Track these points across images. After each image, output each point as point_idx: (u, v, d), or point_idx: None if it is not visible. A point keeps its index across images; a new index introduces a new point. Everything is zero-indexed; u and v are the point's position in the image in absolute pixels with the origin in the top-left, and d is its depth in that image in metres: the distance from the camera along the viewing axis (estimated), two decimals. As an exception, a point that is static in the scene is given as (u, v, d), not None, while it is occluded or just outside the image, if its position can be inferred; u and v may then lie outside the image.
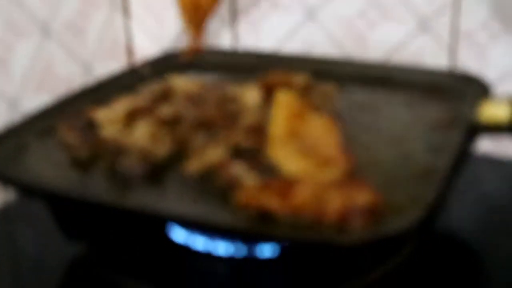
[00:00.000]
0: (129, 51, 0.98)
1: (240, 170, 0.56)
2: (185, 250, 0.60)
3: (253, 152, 0.60)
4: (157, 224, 0.60)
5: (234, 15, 0.96)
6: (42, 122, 0.67)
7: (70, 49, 0.89)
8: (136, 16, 1.00)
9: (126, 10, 0.98)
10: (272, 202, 0.52)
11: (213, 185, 0.57)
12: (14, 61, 0.84)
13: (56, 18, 0.88)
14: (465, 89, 0.70)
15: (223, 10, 0.95)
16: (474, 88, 0.70)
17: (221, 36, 0.97)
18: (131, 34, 0.99)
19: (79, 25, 0.90)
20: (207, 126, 0.64)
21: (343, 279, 0.58)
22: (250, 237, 0.56)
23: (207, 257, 0.59)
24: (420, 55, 0.85)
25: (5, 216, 0.77)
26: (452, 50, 0.84)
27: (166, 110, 0.66)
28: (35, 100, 0.80)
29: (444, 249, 0.66)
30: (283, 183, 0.54)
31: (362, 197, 0.51)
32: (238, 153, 0.60)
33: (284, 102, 0.63)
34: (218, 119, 0.65)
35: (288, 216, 0.51)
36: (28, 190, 0.62)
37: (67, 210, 0.62)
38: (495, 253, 0.67)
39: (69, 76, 0.87)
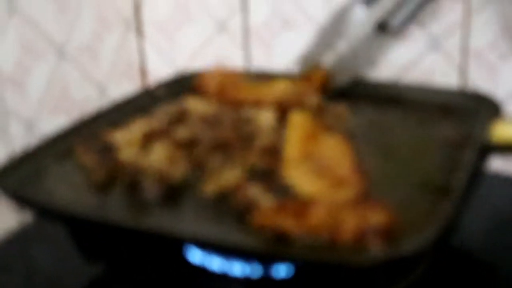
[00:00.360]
0: (143, 72, 0.98)
1: (256, 192, 0.56)
2: (201, 271, 0.59)
3: (268, 173, 0.60)
4: (174, 245, 0.59)
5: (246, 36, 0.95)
6: (60, 145, 0.67)
7: (85, 71, 0.88)
8: (150, 37, 1.00)
9: (139, 32, 0.98)
10: (287, 223, 0.52)
11: (229, 207, 0.57)
12: (31, 83, 0.83)
13: (71, 40, 0.88)
14: (477, 108, 0.70)
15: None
16: (485, 108, 0.70)
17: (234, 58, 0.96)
18: (145, 55, 0.98)
19: (93, 47, 0.90)
20: (223, 148, 0.63)
21: None
22: (266, 258, 0.56)
23: (223, 278, 0.58)
24: (430, 74, 0.85)
25: (22, 237, 0.77)
26: (462, 69, 0.84)
27: (182, 132, 0.66)
28: (52, 122, 0.81)
29: (458, 265, 0.66)
30: (298, 204, 0.54)
31: (376, 218, 0.52)
32: (253, 174, 0.59)
33: (298, 123, 0.63)
34: (234, 140, 0.64)
35: (304, 236, 0.51)
36: (46, 212, 0.61)
37: (85, 231, 0.62)
38: (509, 267, 0.67)
39: (84, 98, 0.87)
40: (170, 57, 0.99)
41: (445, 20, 0.85)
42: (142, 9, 0.99)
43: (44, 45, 0.84)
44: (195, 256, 0.58)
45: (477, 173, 0.60)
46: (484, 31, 0.83)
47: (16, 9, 0.78)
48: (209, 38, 0.97)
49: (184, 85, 0.81)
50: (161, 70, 0.96)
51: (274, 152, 0.62)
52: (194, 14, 0.99)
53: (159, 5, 0.99)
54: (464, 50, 0.85)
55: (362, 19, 0.70)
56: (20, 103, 0.81)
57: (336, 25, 0.77)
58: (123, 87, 0.93)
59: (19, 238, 0.76)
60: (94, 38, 0.90)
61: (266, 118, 0.67)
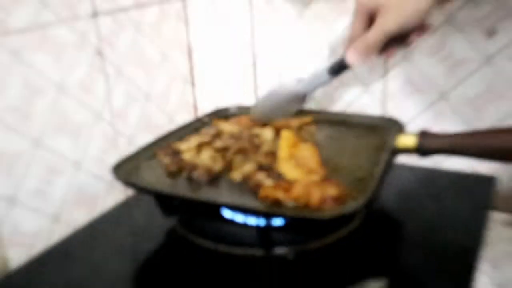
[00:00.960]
0: (195, 108, 0.95)
1: (262, 177, 0.57)
2: (231, 222, 0.60)
3: (269, 167, 0.60)
4: (215, 207, 0.60)
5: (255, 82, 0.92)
6: (148, 151, 0.67)
7: (161, 108, 0.86)
8: (199, 85, 0.95)
9: (193, 83, 0.95)
10: (280, 194, 0.53)
11: (247, 186, 0.58)
12: (131, 114, 0.80)
13: (155, 89, 0.84)
14: (390, 127, 0.69)
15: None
16: (395, 126, 0.68)
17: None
18: (196, 97, 0.95)
19: (167, 94, 0.87)
20: (243, 152, 0.63)
21: (322, 236, 0.59)
22: (267, 214, 0.57)
23: (243, 226, 0.59)
24: (364, 107, 0.82)
25: (127, 205, 0.76)
26: (383, 104, 0.81)
27: (218, 143, 0.65)
28: (144, 138, 0.77)
29: (379, 221, 0.66)
30: (286, 184, 0.55)
31: (332, 191, 0.52)
32: (260, 167, 0.60)
33: (286, 137, 0.63)
34: (249, 148, 0.63)
35: (290, 202, 0.53)
36: (142, 190, 0.62)
37: (164, 200, 0.62)
38: (409, 221, 0.65)
39: (161, 124, 0.85)
40: (211, 97, 0.94)
41: (372, 75, 0.81)
42: (194, 70, 0.94)
43: (136, 93, 0.80)
44: (227, 214, 0.60)
45: (390, 165, 0.60)
46: (395, 81, 0.79)
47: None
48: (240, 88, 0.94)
49: (220, 114, 0.80)
50: (206, 106, 0.91)
51: (272, 154, 0.62)
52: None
53: (205, 68, 0.94)
54: (384, 93, 0.82)
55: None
56: (124, 127, 0.78)
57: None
58: (184, 117, 0.90)
59: (125, 205, 0.76)
60: (167, 89, 0.87)
61: (268, 134, 0.67)
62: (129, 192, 0.77)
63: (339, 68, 0.62)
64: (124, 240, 0.68)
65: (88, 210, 0.72)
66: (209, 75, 0.94)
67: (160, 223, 0.66)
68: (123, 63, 0.75)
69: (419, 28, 0.59)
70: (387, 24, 0.56)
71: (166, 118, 0.87)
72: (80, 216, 0.70)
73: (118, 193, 0.77)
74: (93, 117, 0.71)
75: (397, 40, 0.60)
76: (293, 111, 0.68)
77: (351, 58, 0.59)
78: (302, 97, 0.66)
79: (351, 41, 0.60)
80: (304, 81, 0.66)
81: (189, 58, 0.93)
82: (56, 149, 0.65)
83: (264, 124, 0.69)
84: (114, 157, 0.70)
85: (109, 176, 0.67)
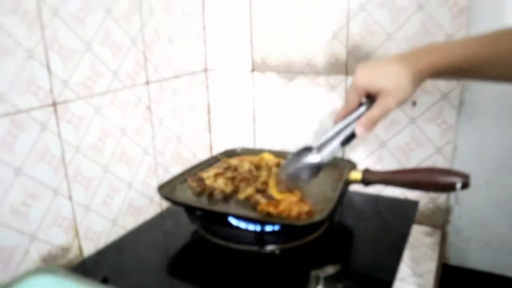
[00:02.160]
0: (211, 148, 0.95)
1: (259, 197, 0.61)
2: (236, 228, 0.62)
3: (264, 190, 0.63)
4: (226, 216, 0.62)
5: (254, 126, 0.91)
6: (181, 178, 0.69)
7: (188, 147, 0.86)
8: (214, 132, 0.94)
9: (210, 130, 0.93)
10: (271, 209, 0.57)
11: (249, 203, 0.61)
12: (167, 151, 0.79)
13: (183, 133, 0.83)
14: (346, 165, 0.70)
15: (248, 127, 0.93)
16: (350, 165, 0.70)
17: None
18: (212, 140, 0.94)
19: (192, 137, 0.86)
20: (245, 180, 0.66)
21: (299, 238, 0.61)
22: (262, 222, 0.59)
23: (245, 230, 0.61)
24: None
25: (164, 214, 0.77)
26: (343, 150, 0.79)
27: (229, 173, 0.68)
28: (176, 168, 0.81)
29: (337, 228, 0.68)
30: (275, 202, 0.59)
31: (305, 207, 0.57)
32: (258, 191, 0.63)
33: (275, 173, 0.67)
34: (250, 177, 0.67)
35: (277, 214, 0.57)
36: (177, 203, 0.64)
37: (192, 211, 0.64)
38: (359, 230, 0.68)
39: (188, 159, 0.84)
40: (224, 142, 0.92)
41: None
42: (211, 122, 0.93)
43: (169, 134, 0.84)
44: (234, 221, 0.62)
45: (345, 191, 0.64)
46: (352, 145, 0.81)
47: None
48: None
49: (230, 153, 0.81)
50: (219, 148, 0.90)
51: (266, 183, 0.65)
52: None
53: (219, 120, 0.92)
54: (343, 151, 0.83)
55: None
56: (161, 159, 0.79)
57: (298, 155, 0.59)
58: (203, 154, 0.90)
59: (161, 216, 0.77)
60: (193, 134, 0.86)
61: (264, 172, 0.69)
62: (164, 206, 0.79)
63: (348, 139, 0.56)
64: (160, 239, 0.70)
65: (135, 217, 0.73)
66: (221, 125, 0.93)
67: (187, 228, 0.68)
68: (164, 115, 0.77)
69: None
70: (389, 103, 0.51)
71: (191, 154, 0.88)
72: (130, 222, 0.72)
73: (156, 207, 0.78)
74: (142, 152, 0.73)
75: None
76: (309, 179, 0.58)
77: (361, 131, 0.54)
78: (320, 168, 0.57)
79: (346, 113, 0.55)
80: (323, 153, 0.56)
81: (208, 113, 0.93)
82: (117, 173, 0.68)
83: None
84: (155, 181, 0.73)
85: (151, 194, 0.71)
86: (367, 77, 0.52)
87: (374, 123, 0.53)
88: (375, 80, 0.52)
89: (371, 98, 0.54)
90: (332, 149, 0.56)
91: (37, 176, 0.55)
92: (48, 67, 0.55)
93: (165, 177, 0.71)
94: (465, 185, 0.55)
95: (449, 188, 0.56)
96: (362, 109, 0.54)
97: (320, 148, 0.57)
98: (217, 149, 0.92)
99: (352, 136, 0.55)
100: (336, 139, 0.56)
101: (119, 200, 0.70)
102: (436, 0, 0.68)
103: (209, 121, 0.94)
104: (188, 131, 0.87)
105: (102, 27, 0.62)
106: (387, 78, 0.51)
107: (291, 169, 0.59)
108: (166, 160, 0.81)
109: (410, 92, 0.51)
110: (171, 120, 0.81)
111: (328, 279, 0.49)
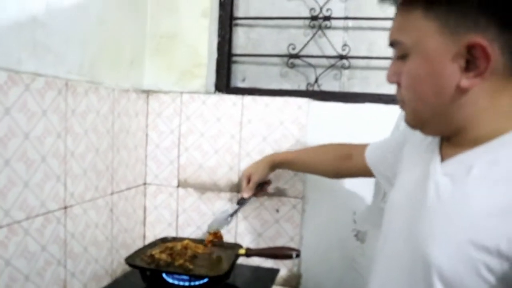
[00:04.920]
0: (144, 237, 1.39)
1: (186, 264, 1.11)
2: (171, 283, 1.09)
3: (190, 260, 1.12)
4: (161, 273, 1.11)
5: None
6: (136, 254, 1.16)
7: (132, 237, 1.44)
8: (149, 225, 1.41)
9: (145, 224, 1.42)
10: (190, 265, 1.17)
11: (180, 267, 1.10)
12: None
13: (126, 226, 1.45)
14: (236, 246, 1.18)
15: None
16: (239, 246, 1.18)
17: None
18: (145, 232, 1.45)
19: (127, 236, 1.46)
20: (179, 254, 1.13)
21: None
22: (189, 276, 1.11)
23: (180, 286, 1.10)
24: (228, 238, 1.48)
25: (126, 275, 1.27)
26: (235, 237, 1.45)
27: (168, 251, 1.16)
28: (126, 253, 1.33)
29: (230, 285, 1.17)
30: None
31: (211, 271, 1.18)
32: (185, 260, 1.12)
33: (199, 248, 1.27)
34: (181, 253, 1.15)
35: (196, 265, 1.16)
36: (136, 267, 1.12)
37: (144, 272, 1.12)
38: (243, 286, 1.21)
39: (138, 245, 1.40)
40: (156, 232, 1.49)
41: (231, 225, 1.51)
42: (146, 220, 1.56)
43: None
44: (169, 278, 1.10)
45: (236, 259, 1.16)
46: (242, 226, 1.47)
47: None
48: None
49: (163, 240, 1.27)
50: (151, 237, 1.45)
51: (192, 256, 1.15)
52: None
53: (153, 218, 1.55)
54: (236, 232, 1.50)
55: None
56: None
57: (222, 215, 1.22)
58: (139, 243, 1.41)
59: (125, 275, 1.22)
60: (131, 228, 1.46)
61: (190, 249, 1.18)
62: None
63: (241, 201, 1.21)
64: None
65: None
66: (154, 220, 1.48)
67: (140, 284, 1.12)
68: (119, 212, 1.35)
69: (266, 183, 1.25)
70: (255, 179, 1.18)
71: (131, 241, 1.37)
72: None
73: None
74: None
75: (260, 188, 1.24)
76: (223, 225, 1.21)
77: (245, 194, 1.20)
78: (226, 217, 1.21)
79: (243, 190, 1.20)
80: (228, 210, 1.21)
81: (144, 212, 1.50)
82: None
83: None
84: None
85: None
86: (246, 170, 1.21)
87: (251, 189, 1.20)
88: (248, 170, 1.20)
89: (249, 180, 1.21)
90: (233, 207, 1.24)
91: None
92: None
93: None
94: (297, 255, 1.20)
95: (290, 256, 1.21)
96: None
97: (228, 208, 1.25)
98: (149, 238, 1.42)
99: (243, 200, 1.22)
100: (234, 204, 1.25)
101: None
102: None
103: (144, 218, 1.46)
104: (128, 226, 1.36)
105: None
106: (253, 167, 1.20)
107: (212, 221, 1.24)
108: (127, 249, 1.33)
109: (266, 173, 1.20)
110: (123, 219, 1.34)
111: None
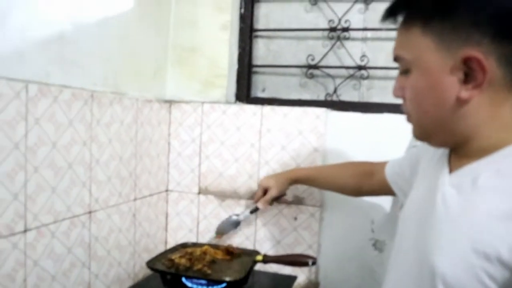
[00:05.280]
0: (166, 243, 1.45)
1: (205, 268, 1.16)
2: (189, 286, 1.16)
3: (208, 265, 1.16)
4: (180, 277, 1.15)
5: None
6: (156, 259, 1.19)
7: (154, 242, 1.50)
8: (170, 230, 1.47)
9: (166, 228, 1.49)
10: (208, 270, 1.21)
11: (199, 272, 1.13)
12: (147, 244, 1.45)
13: (148, 230, 1.51)
14: (254, 253, 1.21)
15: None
16: (256, 252, 1.21)
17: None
18: (167, 238, 1.54)
19: (150, 241, 1.52)
20: (198, 259, 1.17)
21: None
22: (208, 280, 1.15)
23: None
24: (246, 244, 1.53)
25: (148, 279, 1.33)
26: (253, 244, 1.49)
27: (187, 256, 1.20)
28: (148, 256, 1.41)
29: None
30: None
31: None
32: (204, 265, 1.15)
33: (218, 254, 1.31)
34: (200, 258, 1.18)
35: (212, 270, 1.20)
36: (158, 271, 1.18)
37: (165, 275, 1.20)
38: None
39: (160, 250, 1.43)
40: (177, 239, 1.57)
41: (250, 230, 1.55)
42: (168, 226, 1.62)
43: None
44: (188, 282, 1.14)
45: (253, 267, 1.19)
46: (261, 233, 1.52)
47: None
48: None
49: (183, 246, 1.29)
50: (172, 242, 1.50)
51: (211, 261, 1.18)
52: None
53: (174, 224, 1.62)
54: (255, 238, 1.54)
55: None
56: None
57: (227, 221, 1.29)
58: (161, 247, 1.47)
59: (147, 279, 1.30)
60: (153, 234, 1.53)
61: (209, 255, 1.19)
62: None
63: (254, 210, 1.24)
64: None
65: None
66: (176, 226, 1.54)
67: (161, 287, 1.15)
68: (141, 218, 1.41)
69: (282, 195, 1.24)
70: (273, 193, 1.19)
71: (153, 246, 1.42)
72: None
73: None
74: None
75: (276, 199, 1.24)
76: (231, 229, 1.28)
77: (261, 206, 1.21)
78: (237, 223, 1.28)
79: (256, 199, 1.22)
80: (239, 217, 1.27)
81: (166, 218, 1.58)
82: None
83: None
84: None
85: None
86: (264, 180, 1.22)
87: (267, 202, 1.21)
88: (267, 183, 1.21)
89: (265, 191, 1.23)
90: (245, 214, 1.29)
91: None
92: None
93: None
94: (313, 263, 1.22)
95: (306, 264, 1.23)
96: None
97: (239, 214, 1.30)
98: (171, 244, 1.46)
99: (256, 209, 1.25)
100: (247, 210, 1.30)
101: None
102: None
103: (166, 224, 1.52)
104: (150, 232, 1.43)
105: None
106: (273, 180, 1.20)
107: (221, 224, 1.31)
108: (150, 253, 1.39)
109: (284, 189, 1.21)
110: (147, 223, 1.40)
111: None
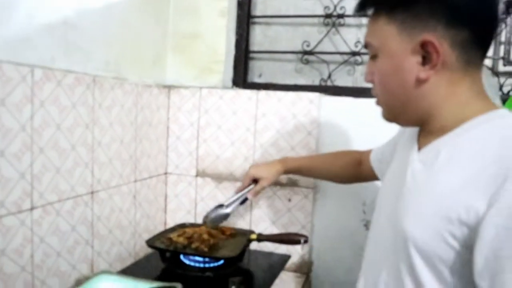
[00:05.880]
0: (165, 223, 1.48)
1: (202, 246, 1.22)
2: (188, 264, 1.20)
3: (205, 243, 1.22)
4: (179, 254, 1.20)
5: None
6: (156, 237, 1.27)
7: (153, 223, 1.57)
8: (169, 211, 1.50)
9: (165, 210, 1.56)
10: (205, 248, 1.27)
11: (197, 249, 1.19)
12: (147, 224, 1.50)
13: (148, 211, 1.57)
14: (249, 232, 1.36)
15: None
16: (251, 232, 1.30)
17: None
18: (167, 220, 1.57)
19: (149, 222, 1.59)
20: (196, 239, 1.21)
21: (222, 270, 1.18)
22: (204, 257, 1.19)
23: (193, 264, 1.21)
24: (241, 225, 1.57)
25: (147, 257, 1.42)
26: (249, 224, 1.53)
27: (185, 235, 1.27)
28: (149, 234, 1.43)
29: (243, 270, 1.24)
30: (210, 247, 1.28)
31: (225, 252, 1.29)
32: (202, 242, 1.21)
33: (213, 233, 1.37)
34: (197, 237, 1.23)
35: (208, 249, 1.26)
36: (157, 248, 1.23)
37: (163, 253, 1.23)
38: (255, 268, 1.25)
39: (159, 229, 1.49)
40: (176, 220, 1.64)
41: (246, 212, 1.60)
42: (167, 207, 1.68)
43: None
44: (186, 259, 1.20)
45: (248, 245, 1.25)
46: (256, 214, 1.54)
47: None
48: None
49: (180, 225, 1.35)
50: (172, 223, 1.56)
51: (206, 240, 1.24)
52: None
53: (173, 204, 1.67)
54: (250, 219, 1.57)
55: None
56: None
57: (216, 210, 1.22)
58: (160, 227, 1.53)
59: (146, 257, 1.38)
60: (152, 214, 1.59)
61: (205, 235, 1.26)
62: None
63: (243, 201, 1.20)
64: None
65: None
66: (174, 206, 1.59)
67: (160, 265, 1.21)
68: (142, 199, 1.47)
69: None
70: (264, 184, 1.18)
71: (153, 227, 1.47)
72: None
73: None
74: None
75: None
76: (222, 222, 1.21)
77: (250, 196, 1.18)
78: (227, 216, 1.21)
79: (242, 188, 1.20)
80: (229, 208, 1.20)
81: (165, 199, 1.62)
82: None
83: (212, 227, 1.24)
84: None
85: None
86: (254, 170, 1.20)
87: (257, 193, 1.20)
88: (257, 173, 1.20)
89: (255, 181, 1.21)
90: (234, 206, 1.21)
91: None
92: None
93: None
94: (305, 241, 1.28)
95: (298, 242, 1.28)
96: (251, 186, 1.22)
97: (227, 205, 1.22)
98: (170, 225, 1.49)
99: (245, 200, 1.20)
100: (236, 201, 1.22)
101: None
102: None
103: (165, 205, 1.57)
104: (150, 213, 1.48)
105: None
106: (264, 171, 1.19)
107: (212, 216, 1.23)
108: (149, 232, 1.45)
109: (275, 179, 1.20)
110: (147, 205, 1.45)
111: (235, 282, 1.18)
